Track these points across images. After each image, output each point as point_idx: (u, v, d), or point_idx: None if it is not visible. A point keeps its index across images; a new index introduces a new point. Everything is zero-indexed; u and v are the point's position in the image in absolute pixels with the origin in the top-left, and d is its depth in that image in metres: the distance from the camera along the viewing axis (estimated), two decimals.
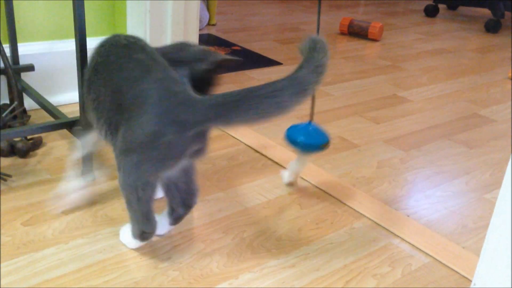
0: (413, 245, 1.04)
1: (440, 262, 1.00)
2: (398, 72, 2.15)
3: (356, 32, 2.66)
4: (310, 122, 1.15)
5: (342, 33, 2.71)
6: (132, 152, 0.83)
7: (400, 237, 1.06)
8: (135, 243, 0.96)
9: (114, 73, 0.87)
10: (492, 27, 2.97)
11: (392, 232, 1.08)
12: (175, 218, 0.98)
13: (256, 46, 2.36)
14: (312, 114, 1.16)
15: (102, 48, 0.93)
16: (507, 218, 0.71)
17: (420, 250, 1.03)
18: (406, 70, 2.19)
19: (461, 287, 0.94)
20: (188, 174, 0.95)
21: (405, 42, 2.67)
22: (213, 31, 2.60)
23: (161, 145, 0.81)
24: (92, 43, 1.62)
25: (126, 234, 0.96)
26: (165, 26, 1.50)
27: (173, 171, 0.88)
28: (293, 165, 1.19)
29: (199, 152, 0.88)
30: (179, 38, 1.53)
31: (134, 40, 0.92)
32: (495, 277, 0.74)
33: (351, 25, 2.66)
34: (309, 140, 1.12)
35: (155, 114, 0.81)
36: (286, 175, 1.22)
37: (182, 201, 0.97)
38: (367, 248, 1.03)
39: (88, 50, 1.45)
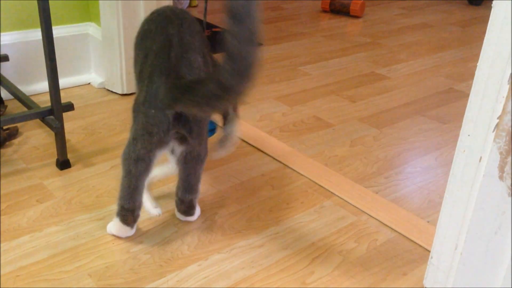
0: (380, 221, 1.07)
1: (404, 236, 1.03)
2: (378, 49, 2.16)
3: (338, 9, 2.65)
4: None
5: (324, 11, 2.71)
6: (134, 117, 0.91)
7: (368, 214, 1.10)
8: (118, 228, 0.98)
9: (147, 40, 0.95)
10: (475, 0, 2.96)
11: (360, 209, 1.11)
12: (182, 211, 1.04)
13: None
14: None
15: (150, 15, 1.01)
16: (460, 195, 0.74)
17: (386, 225, 1.06)
18: (386, 46, 2.20)
19: (421, 260, 0.97)
20: (188, 176, 0.99)
21: (387, 17, 2.66)
22: (194, 12, 2.59)
23: (149, 116, 0.87)
24: (67, 30, 1.63)
25: (112, 222, 0.99)
26: (138, 11, 1.51)
27: (160, 151, 0.92)
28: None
29: (184, 140, 0.92)
30: None
31: (177, 14, 0.97)
32: (447, 252, 0.77)
33: (333, 2, 2.65)
34: None
35: (151, 88, 0.88)
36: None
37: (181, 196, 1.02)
38: (335, 226, 1.06)
39: (58, 38, 1.47)
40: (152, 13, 1.01)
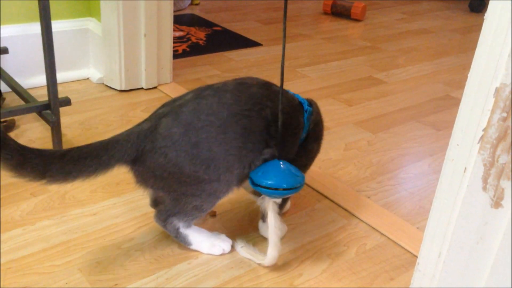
0: (370, 226, 1.08)
1: (393, 241, 1.04)
2: (376, 53, 2.17)
3: (339, 12, 2.66)
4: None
5: (325, 13, 2.71)
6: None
7: (358, 218, 1.11)
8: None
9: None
10: (476, 7, 2.97)
11: (351, 213, 1.12)
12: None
13: (238, 27, 2.37)
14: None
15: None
16: (446, 203, 0.75)
17: (376, 230, 1.07)
18: (385, 51, 2.21)
19: (408, 265, 0.98)
20: None
21: (387, 22, 2.67)
22: (196, 11, 2.60)
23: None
24: (67, 25, 1.64)
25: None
26: (138, 8, 1.51)
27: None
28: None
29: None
30: (153, 21, 1.54)
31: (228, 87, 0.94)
32: (432, 259, 0.78)
33: (334, 4, 2.66)
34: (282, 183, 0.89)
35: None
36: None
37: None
38: (325, 229, 1.07)
39: (58, 33, 1.48)
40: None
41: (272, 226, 0.90)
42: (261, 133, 0.91)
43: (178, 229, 0.95)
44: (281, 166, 0.90)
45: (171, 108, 0.90)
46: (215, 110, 0.89)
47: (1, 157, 0.76)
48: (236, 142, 0.89)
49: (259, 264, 0.95)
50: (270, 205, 0.90)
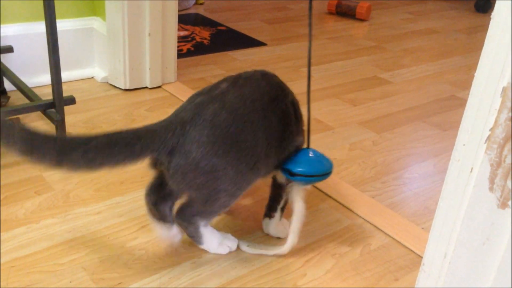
0: (374, 226, 1.08)
1: (398, 242, 1.04)
2: (381, 53, 2.16)
3: (344, 11, 2.66)
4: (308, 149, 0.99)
5: (330, 13, 2.71)
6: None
7: (363, 218, 1.10)
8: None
9: None
10: (482, 7, 2.96)
11: (355, 213, 1.11)
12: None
13: (242, 26, 2.37)
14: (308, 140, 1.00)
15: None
16: (452, 204, 0.74)
17: (380, 230, 1.07)
18: (390, 51, 2.20)
19: (413, 266, 0.98)
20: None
21: (393, 22, 2.66)
22: (200, 10, 2.60)
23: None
24: (72, 24, 1.64)
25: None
26: (143, 7, 1.51)
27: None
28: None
29: None
30: (157, 21, 1.54)
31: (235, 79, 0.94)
32: (438, 259, 0.77)
33: (339, 4, 2.66)
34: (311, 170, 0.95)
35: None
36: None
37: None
38: (330, 229, 1.06)
39: (63, 32, 1.48)
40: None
41: (299, 213, 0.93)
42: (292, 120, 0.93)
43: (198, 227, 0.93)
44: (311, 154, 0.96)
45: (211, 97, 0.87)
46: (257, 97, 0.88)
47: (3, 142, 0.72)
48: (277, 128, 0.89)
49: (274, 255, 0.96)
50: (300, 193, 0.93)
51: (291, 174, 0.93)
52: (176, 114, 0.87)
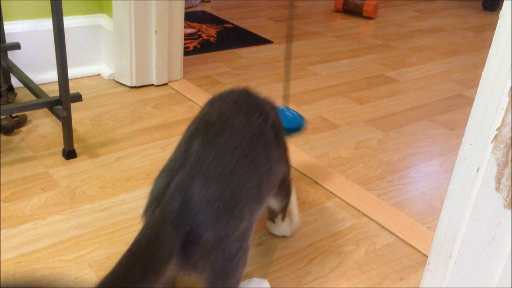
0: (380, 225, 1.08)
1: (403, 241, 1.04)
2: (388, 51, 2.15)
3: (351, 9, 2.65)
4: (287, 107, 1.15)
5: (337, 11, 2.70)
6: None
7: (368, 217, 1.10)
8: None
9: None
10: (490, 5, 2.94)
11: (361, 212, 1.11)
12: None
13: (249, 24, 2.36)
14: (287, 97, 1.19)
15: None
16: (458, 203, 0.74)
17: (386, 229, 1.07)
18: (397, 49, 2.19)
19: (419, 265, 0.98)
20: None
21: (400, 20, 2.65)
22: (207, 8, 2.60)
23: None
24: (79, 21, 1.65)
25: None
26: (149, 4, 1.52)
27: None
28: None
29: None
30: (164, 18, 1.55)
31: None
32: (443, 259, 0.77)
33: (346, 2, 2.65)
34: (287, 125, 1.11)
35: None
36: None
37: None
38: (335, 227, 1.06)
39: (70, 29, 1.48)
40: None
41: (292, 196, 1.01)
42: (275, 151, 0.86)
43: None
44: (286, 112, 1.14)
45: (189, 170, 0.73)
46: (236, 143, 0.77)
47: None
48: (263, 166, 0.81)
49: (283, 236, 1.03)
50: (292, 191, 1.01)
51: None
52: (163, 207, 0.72)
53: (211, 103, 0.87)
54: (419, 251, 1.01)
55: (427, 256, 1.00)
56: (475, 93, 0.63)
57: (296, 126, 1.15)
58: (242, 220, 0.76)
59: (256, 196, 0.79)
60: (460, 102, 1.70)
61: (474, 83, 1.87)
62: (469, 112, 0.65)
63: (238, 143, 0.78)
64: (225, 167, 0.75)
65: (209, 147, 0.76)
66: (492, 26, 2.68)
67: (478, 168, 0.60)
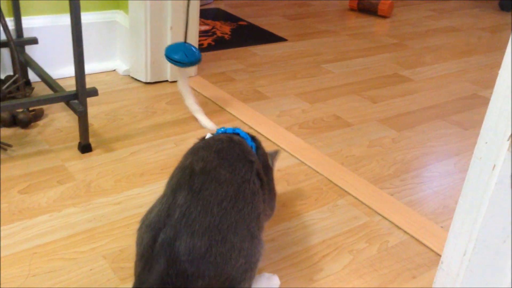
0: (392, 223, 1.08)
1: (416, 239, 1.03)
2: (403, 50, 2.14)
3: (366, 8, 2.64)
4: (184, 42, 1.38)
5: (352, 9, 2.69)
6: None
7: (381, 215, 1.10)
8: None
9: None
10: (506, 5, 2.91)
11: (373, 210, 1.11)
12: None
13: (263, 21, 2.37)
14: (186, 34, 1.39)
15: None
16: (473, 201, 0.74)
17: (399, 228, 1.06)
18: (412, 48, 2.18)
19: (431, 264, 0.97)
20: None
21: (415, 19, 2.64)
22: (221, 5, 2.61)
23: None
24: (95, 17, 1.66)
25: None
26: (165, 1, 1.53)
27: None
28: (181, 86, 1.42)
29: None
30: (179, 15, 1.55)
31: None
32: (457, 257, 0.77)
33: (361, 1, 2.64)
34: (185, 58, 1.36)
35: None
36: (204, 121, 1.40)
37: None
38: (347, 225, 1.06)
39: (87, 24, 1.50)
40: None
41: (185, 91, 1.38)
42: (260, 197, 0.84)
43: None
44: (185, 45, 1.37)
45: (175, 226, 0.72)
46: (222, 195, 0.76)
47: None
48: (253, 214, 0.80)
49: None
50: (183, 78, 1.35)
51: (170, 59, 1.35)
52: (150, 268, 0.72)
53: (194, 153, 0.84)
54: (432, 250, 1.01)
55: (440, 255, 0.99)
56: (490, 93, 0.63)
57: (194, 60, 1.36)
58: (238, 265, 0.74)
59: (248, 238, 0.77)
60: (475, 102, 1.69)
61: (489, 83, 1.85)
62: (484, 112, 0.65)
63: (224, 194, 0.77)
64: (212, 219, 0.73)
65: (195, 199, 0.74)
66: (509, 26, 2.65)
67: (494, 166, 0.60)
